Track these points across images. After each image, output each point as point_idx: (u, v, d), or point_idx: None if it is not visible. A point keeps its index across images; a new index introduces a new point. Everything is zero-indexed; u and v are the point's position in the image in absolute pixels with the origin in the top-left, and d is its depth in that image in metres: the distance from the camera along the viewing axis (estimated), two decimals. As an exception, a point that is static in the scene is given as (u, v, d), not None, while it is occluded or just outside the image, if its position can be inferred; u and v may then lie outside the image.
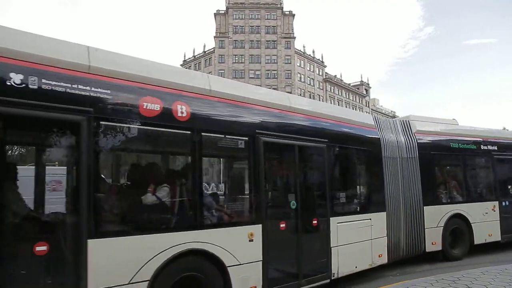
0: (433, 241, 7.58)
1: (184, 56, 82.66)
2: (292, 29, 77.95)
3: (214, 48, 75.84)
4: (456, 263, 7.61)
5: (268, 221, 4.89)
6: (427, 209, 7.61)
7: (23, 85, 3.21)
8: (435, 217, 7.66)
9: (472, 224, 8.14)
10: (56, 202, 3.55)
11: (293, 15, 79.15)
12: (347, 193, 6.42)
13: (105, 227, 3.60)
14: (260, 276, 4.72)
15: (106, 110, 3.64)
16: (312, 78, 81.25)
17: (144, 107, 3.89)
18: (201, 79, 4.65)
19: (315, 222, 5.58)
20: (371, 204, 6.81)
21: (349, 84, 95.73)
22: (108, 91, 3.68)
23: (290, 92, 67.55)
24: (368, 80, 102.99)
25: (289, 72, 75.05)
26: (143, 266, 3.72)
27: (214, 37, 76.09)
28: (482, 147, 8.81)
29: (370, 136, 7.00)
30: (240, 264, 4.51)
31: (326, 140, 5.90)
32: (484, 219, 8.37)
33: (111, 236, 3.58)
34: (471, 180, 8.92)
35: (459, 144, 8.40)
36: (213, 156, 4.87)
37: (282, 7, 77.98)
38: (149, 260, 3.76)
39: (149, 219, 4.01)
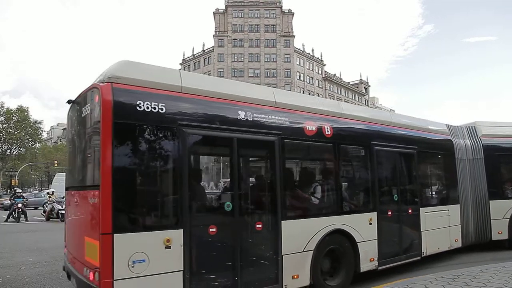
0: (499, 231, 8.81)
1: (183, 55, 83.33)
2: (291, 28, 77.80)
3: (213, 47, 76.26)
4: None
5: (380, 209, 6.46)
6: (493, 203, 8.82)
7: (245, 118, 4.90)
8: (501, 210, 8.85)
9: None
10: (264, 196, 5.23)
11: (292, 14, 78.84)
12: (431, 188, 7.90)
13: (289, 213, 5.24)
14: (376, 250, 6.30)
15: (287, 132, 5.29)
16: (312, 77, 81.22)
17: (307, 128, 5.54)
18: (336, 105, 6.32)
19: (410, 211, 7.10)
20: (448, 198, 8.21)
21: (348, 82, 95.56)
22: (287, 119, 5.34)
23: (290, 91, 68.75)
24: (367, 79, 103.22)
25: (289, 70, 74.99)
26: (310, 240, 5.37)
27: (213, 36, 76.51)
28: None
29: (445, 141, 8.39)
30: (364, 241, 6.10)
31: (416, 147, 7.38)
32: None
33: (292, 219, 5.24)
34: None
35: None
36: (346, 161, 6.42)
37: (281, 6, 77.65)
38: (313, 236, 5.41)
39: (311, 207, 5.67)
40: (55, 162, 54.34)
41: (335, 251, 5.80)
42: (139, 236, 3.99)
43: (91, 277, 3.93)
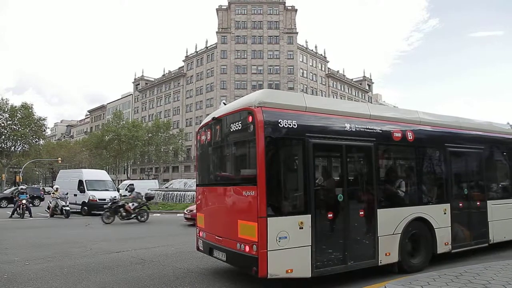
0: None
1: (187, 52, 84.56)
2: (295, 24, 77.23)
3: (216, 43, 76.98)
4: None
5: (454, 202, 7.61)
6: None
7: (350, 129, 6.25)
8: None
9: None
10: (365, 189, 6.58)
11: (296, 10, 78.22)
12: (497, 183, 8.90)
13: (383, 203, 6.56)
14: (450, 236, 7.45)
15: (380, 139, 6.59)
16: (315, 74, 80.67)
17: (394, 135, 6.81)
18: (414, 113, 7.52)
19: (478, 203, 8.17)
20: (513, 192, 9.15)
21: (352, 79, 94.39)
22: (379, 128, 6.64)
23: (293, 88, 69.80)
24: (370, 75, 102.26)
25: (292, 67, 74.73)
26: (398, 225, 6.65)
27: (217, 32, 77.02)
28: None
29: (509, 140, 9.28)
30: (440, 227, 7.26)
31: (482, 146, 8.42)
32: None
33: (384, 208, 6.54)
34: None
35: None
36: (424, 160, 7.62)
37: (285, 2, 77.07)
38: (400, 222, 6.68)
39: (399, 199, 6.95)
40: (59, 158, 55.06)
41: (417, 235, 7.02)
42: (283, 219, 5.45)
43: (247, 249, 5.41)
